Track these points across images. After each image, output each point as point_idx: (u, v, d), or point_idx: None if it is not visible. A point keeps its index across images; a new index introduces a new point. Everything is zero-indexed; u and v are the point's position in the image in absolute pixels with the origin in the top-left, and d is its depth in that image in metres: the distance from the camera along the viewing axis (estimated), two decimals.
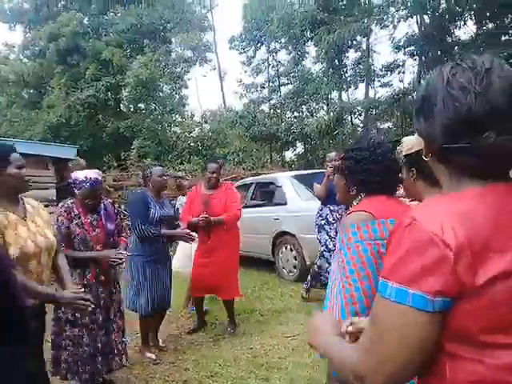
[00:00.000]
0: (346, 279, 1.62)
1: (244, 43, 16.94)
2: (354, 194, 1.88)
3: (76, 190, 3.16)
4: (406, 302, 0.78)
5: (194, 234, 4.19)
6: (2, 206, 2.13)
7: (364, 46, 13.84)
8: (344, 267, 1.64)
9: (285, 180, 6.39)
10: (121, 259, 3.16)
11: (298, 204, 5.89)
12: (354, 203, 1.89)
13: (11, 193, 2.20)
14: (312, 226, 5.36)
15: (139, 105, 19.88)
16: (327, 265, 5.20)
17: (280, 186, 6.34)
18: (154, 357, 3.94)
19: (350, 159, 1.87)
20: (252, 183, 7.43)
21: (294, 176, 6.54)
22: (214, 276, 4.34)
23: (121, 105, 21.44)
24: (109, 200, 3.50)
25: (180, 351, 4.14)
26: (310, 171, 7.57)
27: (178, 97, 20.89)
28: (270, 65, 16.45)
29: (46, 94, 21.66)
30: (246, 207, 5.98)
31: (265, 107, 16.83)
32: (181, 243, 5.29)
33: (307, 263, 5.72)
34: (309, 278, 5.37)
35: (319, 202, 5.22)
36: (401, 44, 12.78)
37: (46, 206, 7.38)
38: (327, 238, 5.20)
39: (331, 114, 13.16)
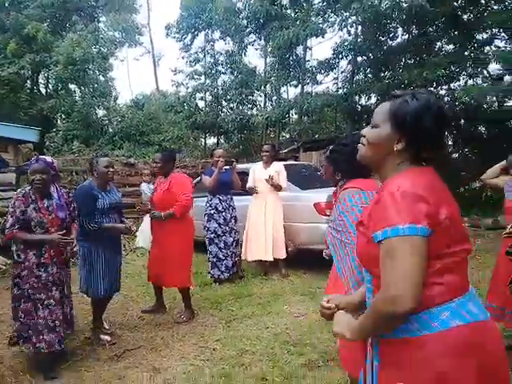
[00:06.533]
0: (350, 237, 2.06)
1: (182, 31, 16.55)
2: (339, 178, 2.46)
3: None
4: (416, 233, 1.20)
5: (133, 228, 4.35)
6: None
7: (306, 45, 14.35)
8: (346, 227, 2.12)
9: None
10: (67, 242, 3.46)
11: (293, 193, 6.25)
12: (340, 184, 2.44)
13: None
14: (302, 215, 5.83)
15: (60, 85, 18.56)
16: (217, 249, 5.79)
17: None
18: (108, 339, 4.07)
19: (336, 152, 2.46)
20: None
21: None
22: (157, 264, 4.60)
23: (42, 84, 19.87)
24: (63, 190, 3.74)
25: (197, 333, 4.24)
26: (295, 162, 8.19)
27: (103, 79, 19.88)
28: (208, 53, 16.30)
29: None
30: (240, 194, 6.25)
31: (203, 95, 16.70)
32: (145, 219, 5.63)
33: (289, 249, 6.04)
34: (210, 266, 5.87)
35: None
36: (340, 47, 13.61)
37: (4, 190, 6.79)
38: (216, 225, 5.79)
39: (278, 108, 13.50)
